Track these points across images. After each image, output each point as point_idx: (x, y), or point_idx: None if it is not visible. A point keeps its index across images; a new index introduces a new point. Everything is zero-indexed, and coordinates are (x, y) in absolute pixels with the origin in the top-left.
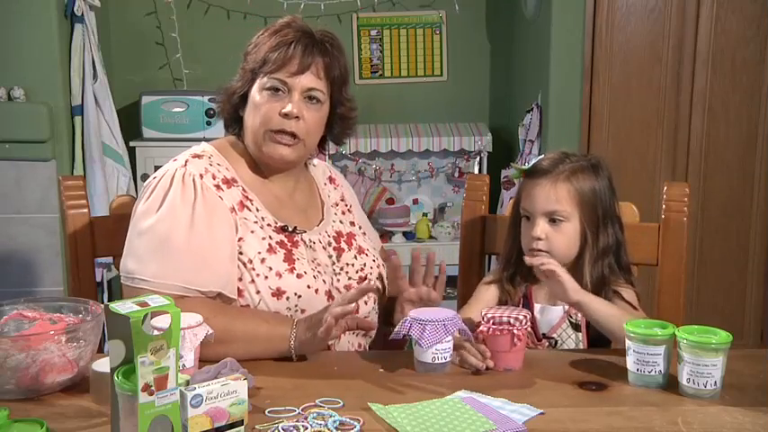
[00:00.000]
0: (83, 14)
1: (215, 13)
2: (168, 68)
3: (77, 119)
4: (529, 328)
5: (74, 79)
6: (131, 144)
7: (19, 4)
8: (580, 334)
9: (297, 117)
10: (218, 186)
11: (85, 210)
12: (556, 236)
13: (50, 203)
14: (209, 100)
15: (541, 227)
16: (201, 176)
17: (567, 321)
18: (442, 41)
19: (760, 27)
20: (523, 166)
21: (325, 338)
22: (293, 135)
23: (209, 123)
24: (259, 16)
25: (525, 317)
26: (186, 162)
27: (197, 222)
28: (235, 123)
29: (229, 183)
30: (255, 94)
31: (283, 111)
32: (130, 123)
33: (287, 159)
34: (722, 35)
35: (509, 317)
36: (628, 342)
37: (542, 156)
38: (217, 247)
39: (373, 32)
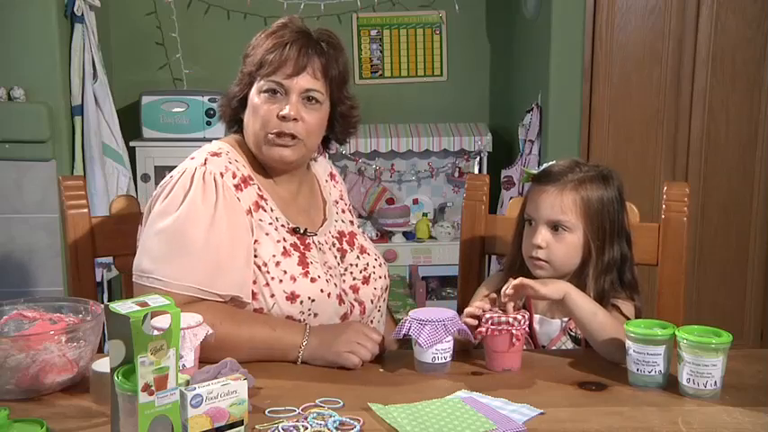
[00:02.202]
0: (83, 14)
1: (215, 13)
2: (168, 68)
3: (77, 119)
4: (527, 329)
5: (74, 79)
6: (131, 144)
7: (19, 4)
8: (580, 348)
9: (295, 119)
10: (237, 186)
11: (85, 210)
12: (557, 245)
13: (50, 203)
14: (209, 100)
15: (543, 235)
16: (222, 175)
17: (567, 335)
18: (441, 41)
19: (760, 27)
20: (533, 170)
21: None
22: (292, 136)
23: (209, 123)
24: (259, 16)
25: (524, 317)
26: (206, 160)
27: (217, 223)
28: (236, 126)
29: (246, 181)
30: (254, 96)
31: (281, 113)
32: (130, 123)
33: (287, 160)
34: (722, 35)
35: (507, 317)
36: (628, 342)
37: (553, 162)
38: (234, 251)
39: (373, 32)
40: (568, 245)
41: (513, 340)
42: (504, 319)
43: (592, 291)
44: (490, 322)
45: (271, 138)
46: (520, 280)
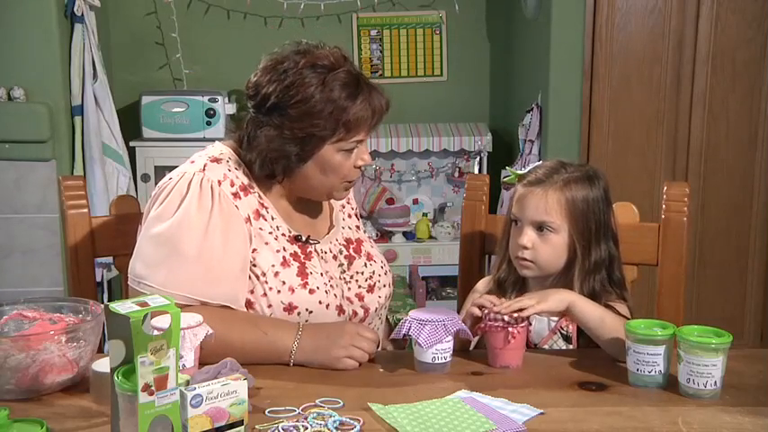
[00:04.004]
0: (83, 14)
1: (215, 13)
2: (168, 68)
3: (77, 119)
4: (528, 327)
5: (74, 79)
6: (131, 144)
7: (19, 4)
8: (571, 345)
9: None
10: (235, 194)
11: (85, 210)
12: (542, 246)
13: (50, 203)
14: (210, 100)
15: (528, 236)
16: (220, 183)
17: (559, 333)
18: (442, 41)
19: (760, 27)
20: (520, 171)
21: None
22: None
23: (209, 123)
24: (259, 16)
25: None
26: (205, 166)
27: (211, 232)
28: (274, 175)
29: (246, 189)
30: (331, 155)
31: (361, 163)
32: (130, 123)
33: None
34: (722, 35)
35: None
36: (628, 342)
37: (539, 162)
38: (228, 260)
39: (373, 32)
40: (554, 245)
41: (509, 337)
42: (502, 315)
43: (578, 291)
44: (488, 318)
45: (347, 184)
46: (520, 305)
